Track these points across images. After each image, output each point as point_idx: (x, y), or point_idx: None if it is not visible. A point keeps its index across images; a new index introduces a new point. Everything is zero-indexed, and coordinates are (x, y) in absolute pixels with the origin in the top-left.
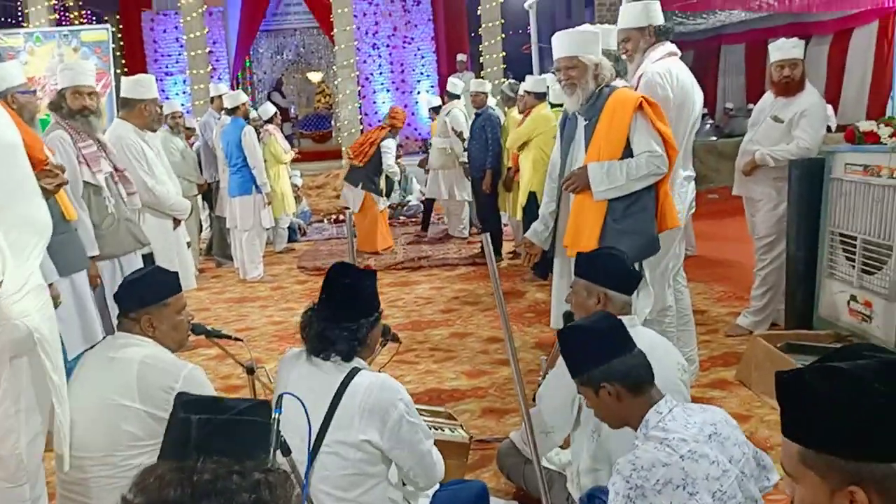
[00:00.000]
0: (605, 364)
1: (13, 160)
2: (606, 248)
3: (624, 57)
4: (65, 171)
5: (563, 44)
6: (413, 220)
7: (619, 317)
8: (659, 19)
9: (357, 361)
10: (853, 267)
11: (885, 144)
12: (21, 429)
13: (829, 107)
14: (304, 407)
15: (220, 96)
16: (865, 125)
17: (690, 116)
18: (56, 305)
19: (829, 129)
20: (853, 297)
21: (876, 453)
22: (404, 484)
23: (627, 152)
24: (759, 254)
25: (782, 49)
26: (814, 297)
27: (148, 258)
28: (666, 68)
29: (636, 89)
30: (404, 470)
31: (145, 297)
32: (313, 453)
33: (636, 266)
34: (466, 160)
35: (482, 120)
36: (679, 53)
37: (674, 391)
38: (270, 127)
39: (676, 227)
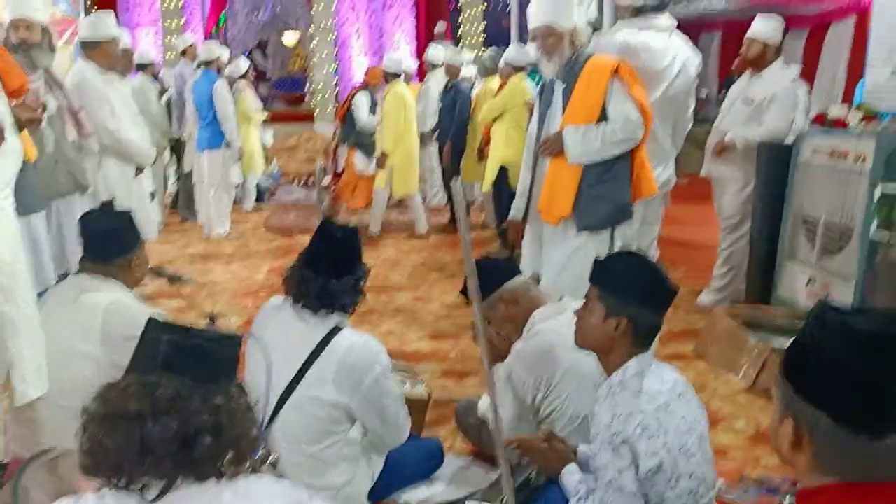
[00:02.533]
0: (642, 308)
1: None
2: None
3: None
4: (45, 108)
5: (538, 12)
6: None
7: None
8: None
9: (339, 316)
10: (813, 249)
11: (853, 130)
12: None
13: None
14: (268, 353)
15: (191, 47)
16: (836, 110)
17: (665, 87)
18: None
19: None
20: (811, 279)
21: (807, 391)
22: (364, 434)
23: (603, 117)
24: (724, 233)
25: (751, 27)
26: (773, 277)
27: (108, 205)
28: (645, 41)
29: None
30: (370, 430)
31: (130, 241)
32: (280, 403)
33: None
34: (428, 129)
35: (454, 92)
36: (667, 31)
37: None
38: (242, 83)
39: (653, 194)
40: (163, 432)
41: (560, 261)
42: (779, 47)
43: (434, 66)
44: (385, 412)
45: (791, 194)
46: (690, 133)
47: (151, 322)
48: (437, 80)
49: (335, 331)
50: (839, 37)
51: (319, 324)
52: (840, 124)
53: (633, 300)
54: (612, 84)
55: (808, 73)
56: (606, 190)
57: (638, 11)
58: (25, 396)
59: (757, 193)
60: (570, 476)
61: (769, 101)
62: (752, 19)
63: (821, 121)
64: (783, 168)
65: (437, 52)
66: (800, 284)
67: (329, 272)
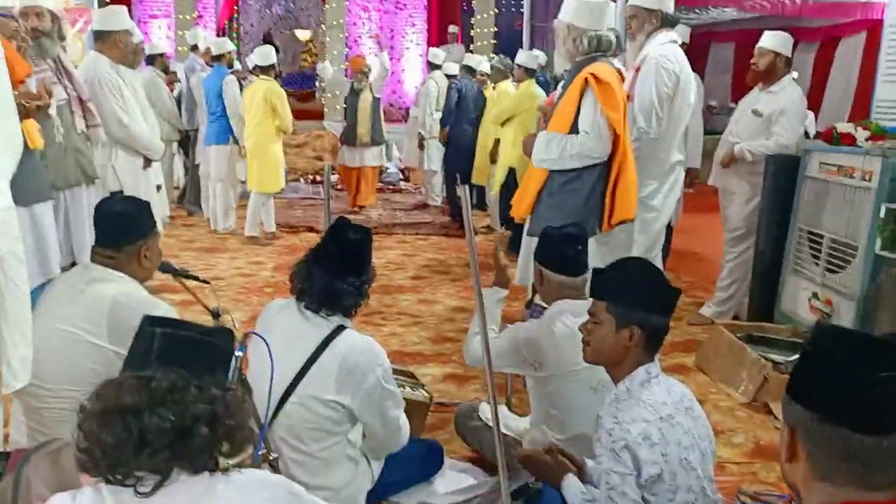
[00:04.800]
0: (651, 314)
1: None
2: (556, 227)
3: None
4: (52, 95)
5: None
6: (391, 187)
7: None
8: (670, 7)
9: (342, 319)
10: (818, 265)
11: (861, 147)
12: None
13: (810, 113)
14: (268, 349)
15: (202, 41)
16: (843, 127)
17: (688, 98)
18: None
19: (807, 136)
20: (815, 295)
21: (798, 395)
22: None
23: (576, 128)
24: (728, 246)
25: (761, 39)
26: (777, 291)
27: (117, 195)
28: (672, 52)
29: (637, 70)
30: (370, 432)
31: (144, 227)
32: (282, 401)
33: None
34: (424, 130)
35: (455, 91)
36: (679, 42)
37: (707, 459)
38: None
39: (627, 220)
40: (160, 423)
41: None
42: (789, 60)
43: (434, 67)
44: (385, 414)
45: (797, 208)
46: None
47: (146, 317)
48: (435, 82)
49: (338, 331)
50: (850, 52)
51: (322, 323)
52: (848, 140)
53: (641, 307)
54: (586, 96)
55: (819, 87)
56: (561, 200)
57: (671, 23)
58: (10, 387)
59: (763, 206)
60: (572, 487)
61: (778, 114)
62: (765, 30)
63: (829, 136)
64: (790, 181)
65: (437, 52)
66: (803, 300)
67: (335, 272)
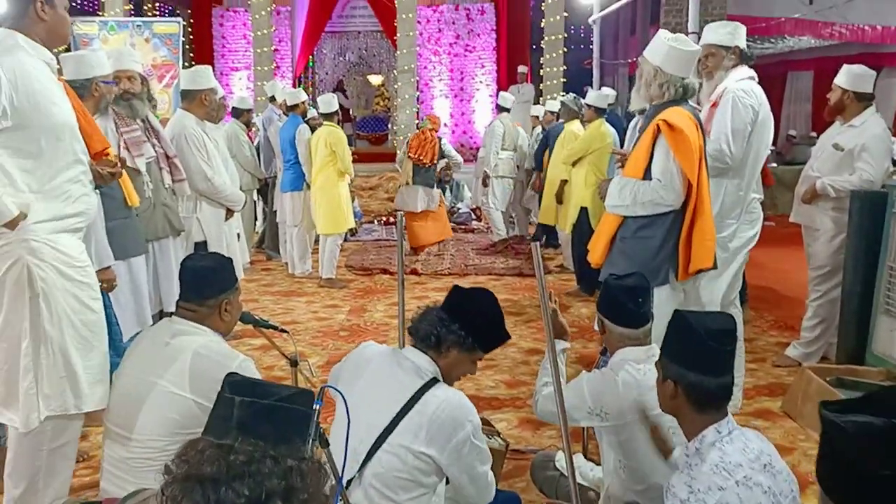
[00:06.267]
0: (682, 367)
1: (61, 136)
2: (618, 276)
3: (702, 73)
4: (125, 163)
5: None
6: (462, 226)
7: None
8: (744, 42)
9: (436, 370)
10: None
11: None
12: (40, 371)
13: None
14: (345, 403)
15: (279, 93)
16: None
17: (765, 137)
18: (111, 288)
19: (894, 163)
20: None
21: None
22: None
23: (649, 174)
24: (814, 284)
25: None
26: (867, 332)
27: (201, 246)
28: (750, 87)
29: (714, 105)
30: (456, 486)
31: (225, 282)
32: (374, 447)
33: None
34: (489, 168)
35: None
36: (757, 78)
37: None
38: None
39: (706, 268)
40: (234, 498)
41: None
42: (865, 95)
43: (502, 109)
44: (473, 471)
45: (886, 245)
46: (777, 174)
47: (228, 380)
48: (501, 122)
49: (431, 383)
50: None
51: (414, 374)
52: None
53: (675, 361)
54: (658, 142)
55: None
56: (633, 247)
57: (748, 59)
58: (42, 413)
59: (850, 243)
60: None
61: (860, 150)
62: (845, 57)
63: None
64: (878, 217)
65: (507, 96)
66: None
67: (445, 309)
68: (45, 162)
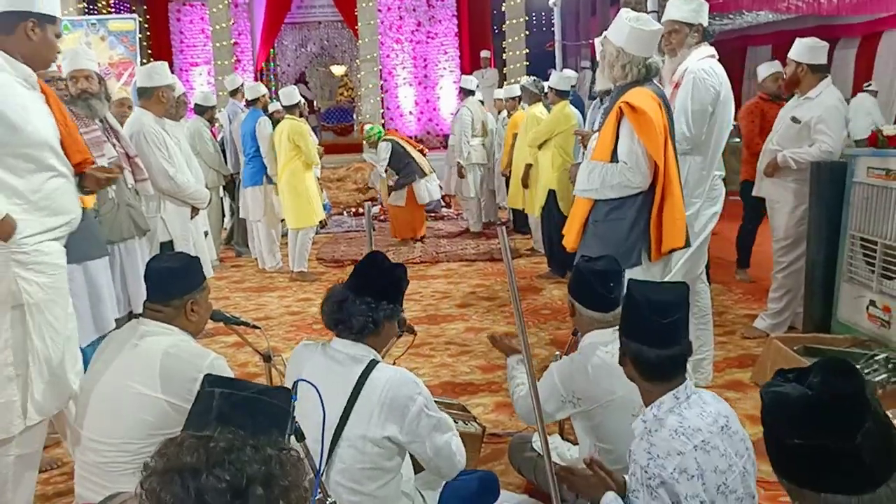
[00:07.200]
0: (628, 338)
1: (39, 153)
2: (588, 259)
3: (665, 50)
4: (122, 170)
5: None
6: (431, 214)
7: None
8: (706, 21)
9: (371, 353)
10: (873, 272)
11: None
12: (20, 383)
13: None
14: (319, 396)
15: (241, 86)
16: (890, 129)
17: (727, 116)
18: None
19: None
20: (872, 302)
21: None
22: (416, 472)
23: (616, 156)
24: (778, 256)
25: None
26: (832, 301)
27: (167, 245)
28: (711, 66)
29: (677, 86)
30: (423, 461)
31: (191, 281)
32: (332, 445)
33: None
34: (462, 159)
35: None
36: (717, 56)
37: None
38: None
39: (678, 248)
40: (216, 484)
41: None
42: (821, 67)
43: (468, 93)
44: (434, 442)
45: (847, 215)
46: (739, 148)
47: (206, 377)
48: (468, 109)
49: (370, 367)
50: (893, 46)
51: (350, 362)
52: (895, 142)
53: (624, 332)
54: (622, 126)
55: (861, 84)
56: (606, 229)
57: (709, 36)
58: (31, 419)
59: (812, 214)
60: None
61: (817, 121)
62: (802, 30)
63: (874, 139)
64: (838, 188)
65: (470, 79)
66: (860, 308)
67: (350, 288)
68: (26, 178)
